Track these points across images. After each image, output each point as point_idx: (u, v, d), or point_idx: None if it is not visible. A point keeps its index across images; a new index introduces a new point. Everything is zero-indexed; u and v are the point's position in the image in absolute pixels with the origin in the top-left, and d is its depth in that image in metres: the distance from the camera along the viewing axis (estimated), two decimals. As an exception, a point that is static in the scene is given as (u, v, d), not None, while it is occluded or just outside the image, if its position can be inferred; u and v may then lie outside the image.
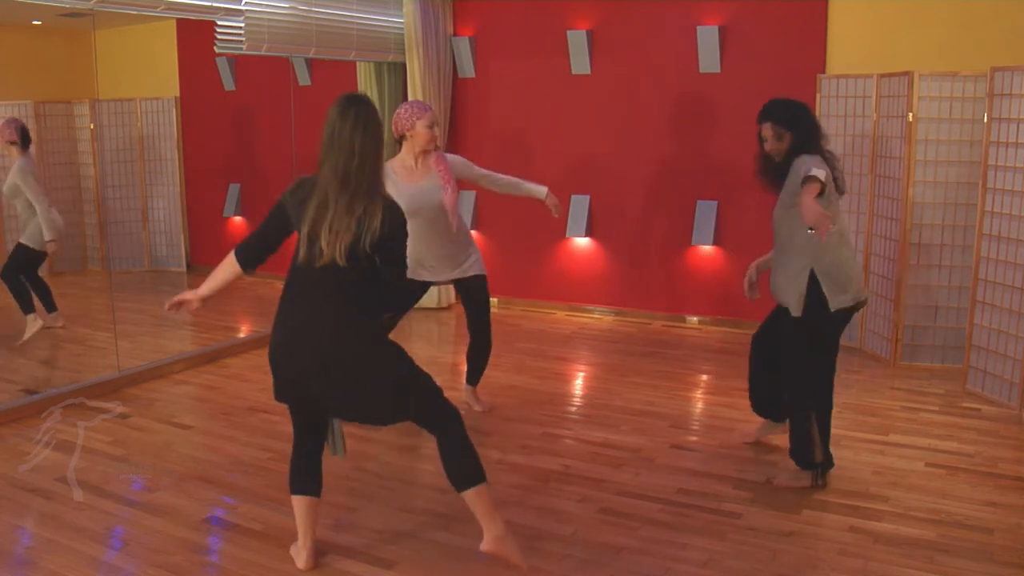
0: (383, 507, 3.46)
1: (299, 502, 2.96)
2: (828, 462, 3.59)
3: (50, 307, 6.04)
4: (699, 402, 4.83)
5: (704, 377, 5.23)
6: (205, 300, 2.91)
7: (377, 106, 6.97)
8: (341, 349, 2.68)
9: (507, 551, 2.82)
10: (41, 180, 5.83)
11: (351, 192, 2.60)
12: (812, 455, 3.54)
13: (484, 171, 4.31)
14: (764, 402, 3.92)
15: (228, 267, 2.84)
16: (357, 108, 2.63)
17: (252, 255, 2.83)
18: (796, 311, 3.46)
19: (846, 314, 3.48)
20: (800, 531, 3.23)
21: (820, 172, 3.16)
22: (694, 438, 4.20)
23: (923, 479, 3.67)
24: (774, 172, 3.53)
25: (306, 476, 2.95)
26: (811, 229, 3.04)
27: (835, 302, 3.41)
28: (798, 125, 3.42)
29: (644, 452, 4.01)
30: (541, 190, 4.37)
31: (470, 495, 2.77)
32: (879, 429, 4.22)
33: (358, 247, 2.61)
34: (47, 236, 5.72)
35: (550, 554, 3.05)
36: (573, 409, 4.71)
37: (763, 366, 3.82)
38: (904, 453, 3.95)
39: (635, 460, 3.91)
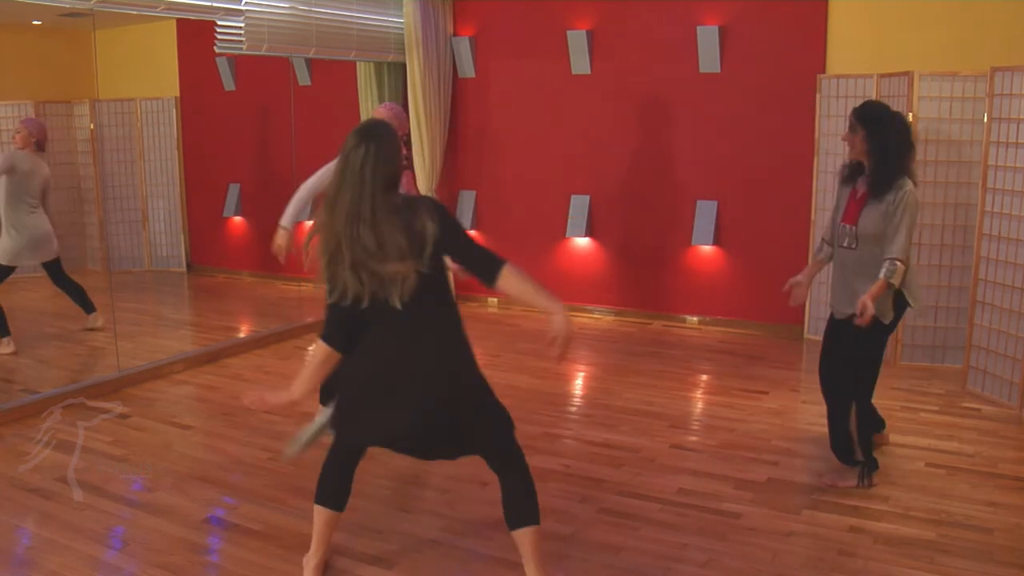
0: (383, 507, 3.46)
1: (321, 513, 2.85)
2: (873, 464, 3.60)
3: (88, 308, 6.05)
4: (699, 402, 4.83)
5: (704, 377, 5.23)
6: (296, 405, 2.65)
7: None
8: (454, 387, 2.56)
9: None
10: (30, 180, 5.63)
11: (373, 226, 2.42)
12: (853, 451, 3.59)
13: None
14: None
15: (325, 356, 2.58)
16: (367, 145, 2.46)
17: (342, 338, 2.58)
18: (887, 317, 3.45)
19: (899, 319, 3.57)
20: (800, 531, 3.23)
21: (898, 276, 3.30)
22: (694, 438, 4.20)
23: (923, 479, 3.67)
24: (856, 169, 3.56)
25: (336, 489, 2.84)
26: (859, 315, 3.24)
27: (916, 305, 3.52)
28: (878, 129, 3.41)
29: (644, 452, 4.01)
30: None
31: (519, 535, 2.71)
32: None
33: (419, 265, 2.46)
34: None
35: (550, 554, 3.04)
36: (573, 409, 4.71)
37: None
38: (904, 453, 3.95)
39: (635, 460, 3.91)
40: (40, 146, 5.73)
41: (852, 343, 3.52)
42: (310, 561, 2.92)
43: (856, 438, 3.57)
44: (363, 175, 2.45)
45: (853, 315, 3.37)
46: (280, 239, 3.97)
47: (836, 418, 3.62)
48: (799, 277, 3.74)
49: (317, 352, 2.59)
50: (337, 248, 2.46)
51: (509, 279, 2.48)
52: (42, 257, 5.80)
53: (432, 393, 2.53)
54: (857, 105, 3.58)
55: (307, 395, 2.60)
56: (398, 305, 2.45)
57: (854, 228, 3.50)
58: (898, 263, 3.33)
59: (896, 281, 3.33)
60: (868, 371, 3.58)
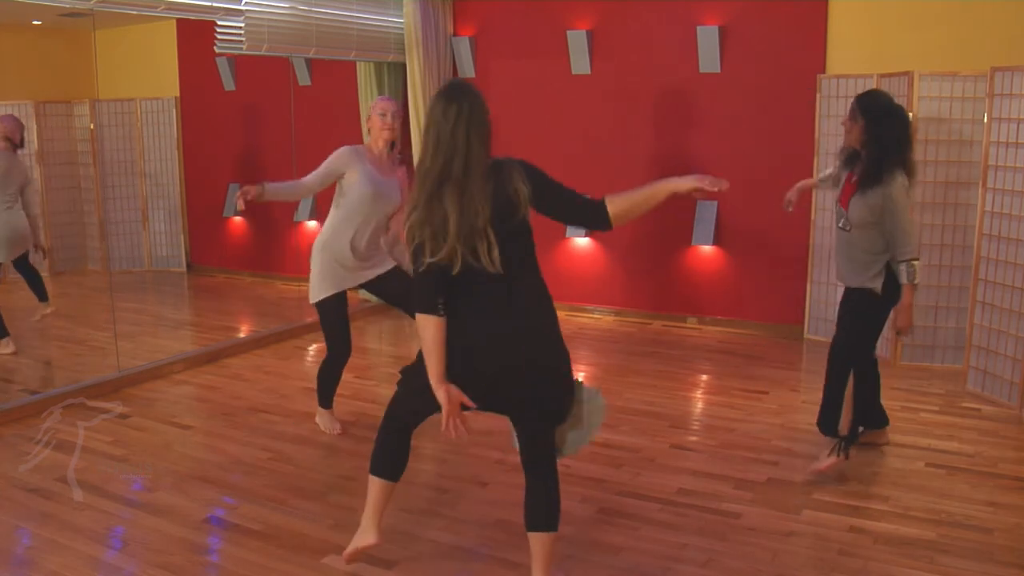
0: (383, 507, 3.45)
1: (377, 483, 2.82)
2: (853, 438, 3.65)
3: (41, 296, 5.96)
4: (699, 402, 4.83)
5: (704, 377, 5.23)
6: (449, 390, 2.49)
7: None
8: (554, 345, 2.56)
9: None
10: (5, 178, 5.61)
11: (472, 194, 2.38)
12: (837, 423, 3.65)
13: None
14: (868, 413, 3.92)
15: (428, 327, 2.45)
16: (459, 104, 2.41)
17: (435, 303, 2.46)
18: (878, 291, 3.56)
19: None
20: (800, 531, 3.23)
21: (914, 271, 3.43)
22: (694, 438, 4.20)
23: (923, 479, 3.67)
24: (851, 158, 3.64)
25: (395, 458, 2.82)
26: (899, 333, 3.58)
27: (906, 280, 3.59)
28: (877, 121, 3.45)
29: (644, 452, 4.01)
30: None
31: (534, 537, 2.68)
32: (879, 429, 4.21)
33: (510, 234, 2.47)
34: None
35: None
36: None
37: (863, 381, 3.81)
38: (904, 453, 3.95)
39: (635, 460, 3.91)
40: (15, 144, 5.67)
41: (848, 312, 3.66)
42: (368, 530, 2.85)
43: (852, 409, 3.64)
44: (455, 138, 2.38)
45: (856, 288, 3.60)
46: (251, 190, 3.68)
47: (829, 384, 3.70)
48: (797, 186, 4.17)
49: (421, 329, 2.46)
50: (424, 214, 2.40)
51: (618, 211, 2.57)
52: (17, 253, 5.78)
53: (528, 353, 2.49)
54: (862, 92, 3.63)
55: (443, 375, 2.45)
56: (491, 268, 2.40)
57: (847, 213, 3.61)
58: (912, 263, 3.44)
59: (918, 279, 3.44)
60: (860, 337, 3.66)
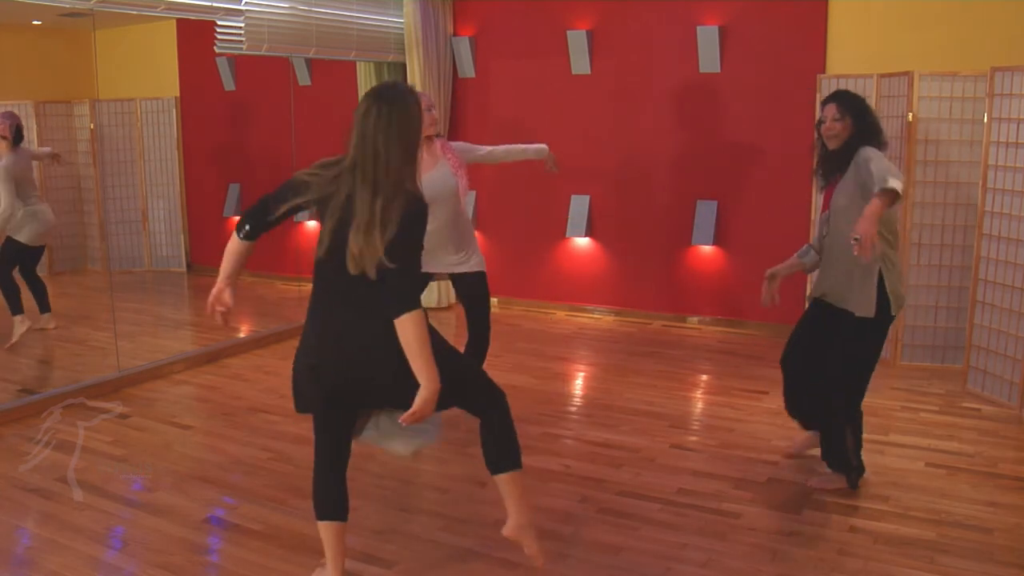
0: (383, 507, 3.46)
1: (328, 528, 2.69)
2: (860, 467, 3.56)
3: (44, 307, 6.01)
4: (699, 402, 4.83)
5: (704, 377, 5.23)
6: (230, 283, 2.77)
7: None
8: (392, 351, 2.45)
9: (527, 539, 2.80)
10: (24, 176, 5.74)
11: (381, 196, 2.36)
12: (847, 458, 3.53)
13: (486, 149, 4.28)
14: (807, 413, 3.76)
15: (231, 243, 2.74)
16: (380, 106, 2.38)
17: (246, 225, 2.71)
18: (869, 311, 3.33)
19: (892, 319, 3.43)
20: (800, 531, 3.23)
21: (898, 183, 3.00)
22: (694, 438, 4.20)
23: (923, 479, 3.67)
24: (828, 162, 3.47)
25: (335, 500, 2.69)
26: (856, 239, 2.94)
27: (895, 305, 3.37)
28: (861, 115, 3.41)
29: (644, 452, 4.01)
30: (543, 148, 4.43)
31: (502, 479, 2.72)
32: (879, 429, 4.21)
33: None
34: None
35: (550, 554, 3.04)
36: (573, 409, 4.71)
37: (803, 377, 3.64)
38: (904, 453, 3.95)
39: (635, 460, 3.91)
40: (13, 140, 5.68)
41: (846, 343, 3.43)
42: None
43: (852, 446, 3.51)
44: (376, 144, 2.36)
45: (841, 312, 3.39)
46: None
47: (831, 435, 3.55)
48: (776, 268, 3.65)
49: (229, 246, 2.74)
50: (331, 184, 2.46)
51: (406, 325, 2.37)
52: (42, 241, 5.93)
53: (370, 351, 2.51)
54: (833, 94, 3.48)
55: (229, 276, 2.80)
56: (371, 273, 2.38)
57: (827, 213, 3.47)
58: (889, 179, 3.00)
59: (897, 186, 2.97)
60: (862, 374, 3.48)
